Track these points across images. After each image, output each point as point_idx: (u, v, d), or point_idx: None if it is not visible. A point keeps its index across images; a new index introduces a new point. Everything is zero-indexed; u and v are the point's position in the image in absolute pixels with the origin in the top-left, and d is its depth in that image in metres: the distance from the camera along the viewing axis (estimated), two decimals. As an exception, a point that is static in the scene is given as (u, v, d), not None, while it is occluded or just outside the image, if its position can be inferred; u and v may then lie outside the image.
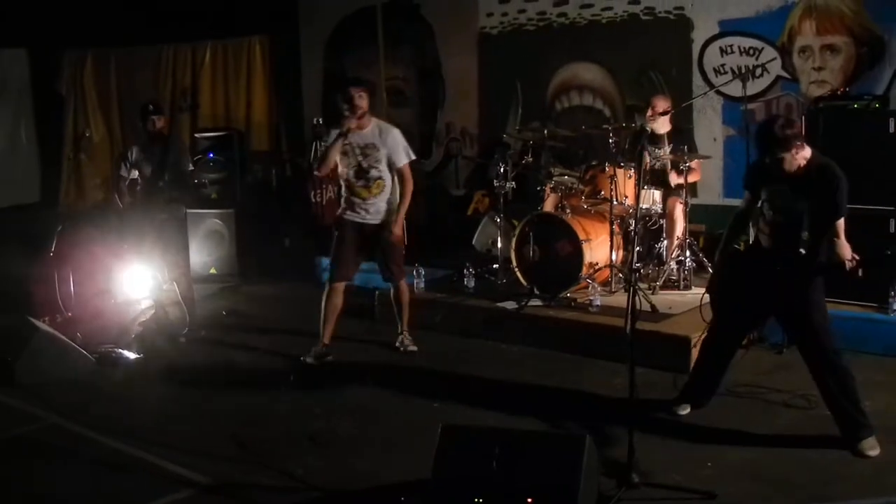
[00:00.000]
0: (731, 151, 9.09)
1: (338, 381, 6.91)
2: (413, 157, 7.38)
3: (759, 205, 5.50)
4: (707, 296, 5.74)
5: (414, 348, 7.55)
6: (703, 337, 5.98)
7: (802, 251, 5.24)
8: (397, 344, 7.61)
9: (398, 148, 7.26)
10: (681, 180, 8.12)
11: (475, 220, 10.24)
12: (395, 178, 7.30)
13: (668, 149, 8.33)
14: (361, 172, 7.22)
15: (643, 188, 7.95)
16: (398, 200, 7.33)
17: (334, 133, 7.18)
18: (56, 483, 5.20)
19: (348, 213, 7.36)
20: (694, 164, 8.23)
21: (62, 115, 13.41)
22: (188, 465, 5.35)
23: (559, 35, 10.51)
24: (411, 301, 7.71)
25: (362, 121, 7.16)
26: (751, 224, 5.75)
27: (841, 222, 5.26)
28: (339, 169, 7.30)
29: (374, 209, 7.28)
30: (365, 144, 7.19)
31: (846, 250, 5.22)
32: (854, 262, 5.15)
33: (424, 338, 7.87)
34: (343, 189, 7.39)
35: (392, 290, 7.63)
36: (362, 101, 7.09)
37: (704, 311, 5.77)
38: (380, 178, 7.22)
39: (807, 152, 5.26)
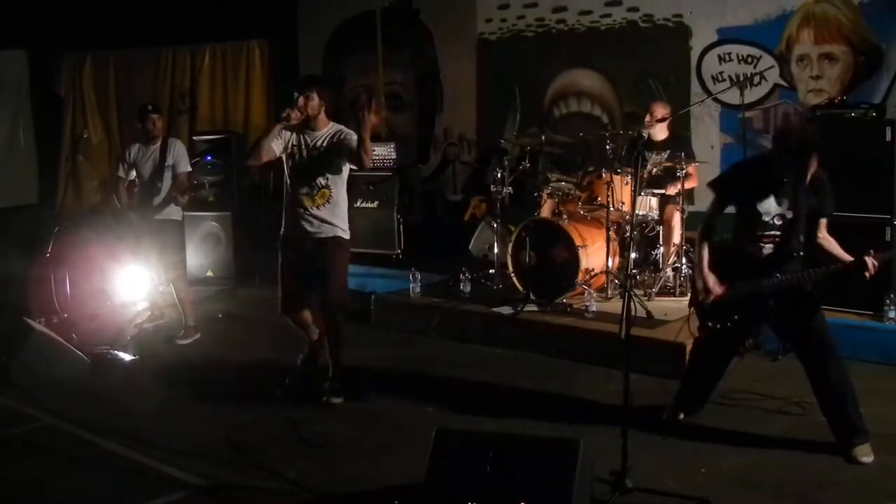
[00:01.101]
0: (729, 159, 9.06)
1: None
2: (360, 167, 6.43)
3: (747, 213, 5.41)
4: (693, 309, 5.74)
5: (337, 400, 6.41)
6: (694, 345, 5.97)
7: (801, 254, 5.27)
8: (323, 396, 6.44)
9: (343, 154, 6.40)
10: (678, 188, 8.14)
11: (472, 225, 10.26)
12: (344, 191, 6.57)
13: (665, 155, 8.34)
14: (305, 178, 6.45)
15: (640, 195, 7.97)
16: (345, 220, 6.55)
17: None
18: (50, 484, 5.19)
19: (288, 228, 6.57)
20: (691, 169, 8.23)
21: (61, 116, 13.41)
22: (182, 466, 5.35)
23: (558, 41, 10.53)
24: (412, 305, 7.61)
25: (318, 121, 6.44)
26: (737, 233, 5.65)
27: (825, 221, 5.37)
28: (286, 174, 6.56)
29: (318, 222, 6.43)
30: (314, 145, 6.46)
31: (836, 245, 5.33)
32: (866, 259, 5.16)
33: (419, 342, 7.88)
34: (284, 197, 6.59)
35: (323, 321, 6.70)
36: (310, 103, 6.35)
37: (692, 324, 5.77)
38: (326, 186, 6.42)
39: None
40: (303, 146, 6.45)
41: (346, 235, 6.56)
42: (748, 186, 5.43)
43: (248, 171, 10.71)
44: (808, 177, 5.21)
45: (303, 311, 6.80)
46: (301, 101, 6.34)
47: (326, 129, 6.49)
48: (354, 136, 6.34)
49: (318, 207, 6.41)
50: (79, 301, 8.36)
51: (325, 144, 6.43)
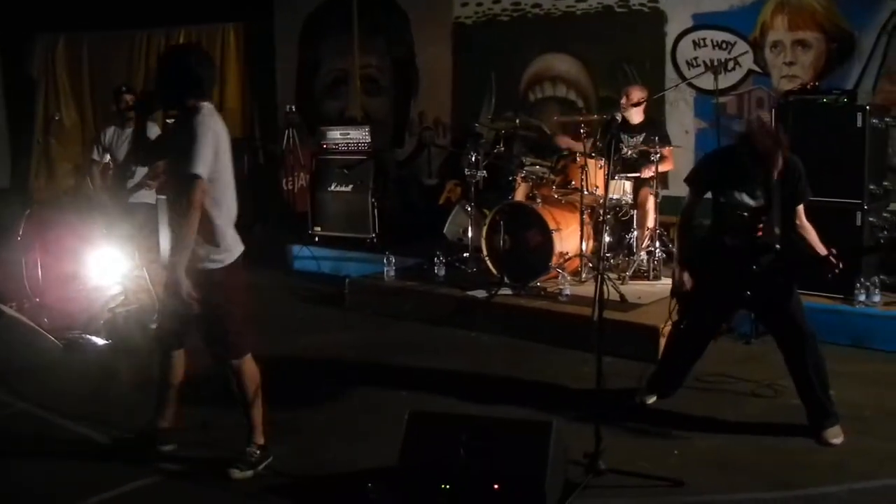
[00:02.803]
0: (703, 144, 9.13)
1: (306, 368, 6.90)
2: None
3: (722, 203, 5.44)
4: (674, 300, 5.76)
5: (240, 475, 5.00)
6: (670, 328, 6.00)
7: (778, 246, 5.29)
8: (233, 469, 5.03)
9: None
10: (653, 172, 8.16)
11: (447, 208, 10.26)
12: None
13: (640, 138, 8.36)
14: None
15: (613, 179, 7.99)
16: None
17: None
18: (23, 469, 5.16)
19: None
20: (666, 152, 8.26)
21: (33, 99, 13.30)
22: (155, 451, 5.33)
23: (533, 26, 10.54)
24: (395, 289, 7.49)
25: None
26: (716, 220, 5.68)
27: (802, 207, 5.39)
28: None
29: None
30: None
31: (814, 235, 5.35)
32: (833, 255, 5.19)
33: (394, 326, 7.88)
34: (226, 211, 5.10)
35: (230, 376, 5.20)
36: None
37: (674, 313, 5.80)
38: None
39: None
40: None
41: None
42: (720, 175, 5.45)
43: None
44: (776, 173, 5.23)
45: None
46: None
47: None
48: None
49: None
50: (51, 285, 8.29)
51: None
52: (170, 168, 4.98)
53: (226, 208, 4.95)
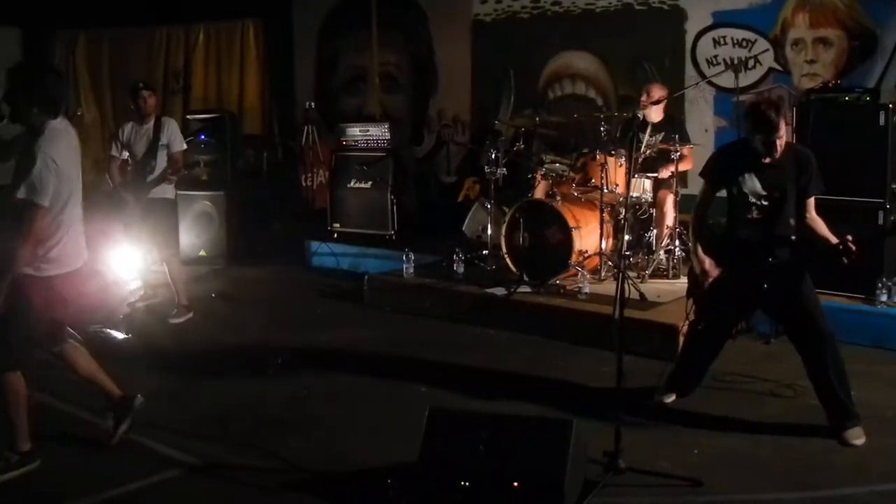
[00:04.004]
0: (723, 142, 9.02)
1: (325, 365, 6.91)
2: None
3: (735, 195, 5.42)
4: (690, 300, 5.74)
5: None
6: (687, 327, 5.99)
7: (794, 237, 5.27)
8: None
9: None
10: (670, 172, 8.14)
11: (466, 206, 10.26)
12: None
13: (659, 137, 8.33)
14: None
15: (634, 177, 7.97)
16: None
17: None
18: (42, 462, 5.18)
19: None
20: (686, 151, 8.24)
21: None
22: (175, 445, 5.35)
23: (553, 23, 10.52)
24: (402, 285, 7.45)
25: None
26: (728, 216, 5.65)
27: (812, 201, 5.38)
28: None
29: None
30: None
31: (823, 226, 5.33)
32: (847, 242, 5.15)
33: (412, 322, 7.88)
34: None
35: None
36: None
37: (690, 313, 5.78)
38: None
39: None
40: None
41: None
42: (733, 167, 5.43)
43: (241, 151, 10.64)
44: (781, 134, 5.19)
45: None
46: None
47: None
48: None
49: None
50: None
51: None
52: (12, 182, 4.92)
53: (68, 228, 5.03)
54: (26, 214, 4.78)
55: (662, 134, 8.34)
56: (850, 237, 5.14)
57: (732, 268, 5.44)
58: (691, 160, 8.42)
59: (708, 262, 5.49)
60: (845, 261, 5.14)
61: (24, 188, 4.76)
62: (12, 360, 5.00)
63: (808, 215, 5.41)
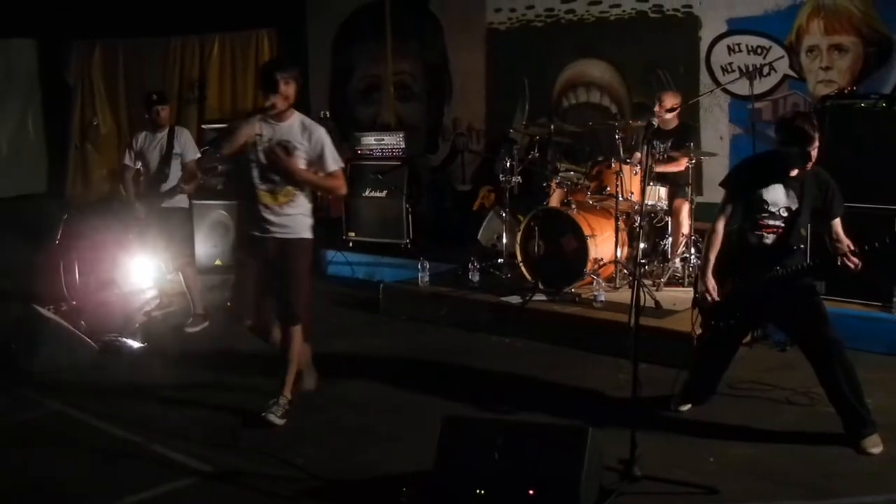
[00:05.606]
0: (737, 149, 9.06)
1: (341, 373, 6.91)
2: (341, 165, 5.87)
3: (755, 204, 5.43)
4: (696, 311, 5.73)
5: (278, 421, 5.77)
6: (699, 340, 5.97)
7: (803, 247, 5.27)
8: (263, 413, 5.78)
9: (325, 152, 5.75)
10: (665, 168, 8.20)
11: (481, 214, 10.27)
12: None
13: (668, 144, 8.33)
14: (267, 174, 5.73)
15: (649, 185, 7.96)
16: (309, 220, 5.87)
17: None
18: (58, 469, 5.21)
19: (251, 225, 5.91)
20: (678, 154, 8.22)
21: (70, 105, 13.42)
22: (190, 453, 5.37)
23: (567, 32, 10.51)
24: (419, 292, 7.51)
25: (283, 112, 5.72)
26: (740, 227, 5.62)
27: (838, 221, 5.39)
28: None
29: (280, 222, 5.79)
30: (279, 140, 5.73)
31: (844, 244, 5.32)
32: (854, 252, 5.16)
33: (428, 331, 7.88)
34: (247, 191, 5.88)
35: (281, 334, 5.98)
36: (288, 88, 5.72)
37: (696, 321, 5.77)
38: (290, 185, 5.74)
39: None
40: (266, 138, 5.73)
41: (310, 236, 5.92)
42: (758, 177, 5.45)
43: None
44: (817, 145, 5.23)
45: (256, 320, 6.02)
46: (282, 84, 5.65)
47: (291, 121, 5.81)
48: (323, 141, 5.74)
49: (280, 206, 5.75)
50: (87, 289, 8.38)
51: (292, 139, 5.74)
52: None
53: None
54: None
55: (671, 141, 8.33)
56: (851, 248, 5.19)
57: (738, 278, 5.45)
58: (683, 163, 8.33)
59: (711, 286, 5.49)
60: (852, 267, 5.16)
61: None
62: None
63: (835, 235, 5.40)
